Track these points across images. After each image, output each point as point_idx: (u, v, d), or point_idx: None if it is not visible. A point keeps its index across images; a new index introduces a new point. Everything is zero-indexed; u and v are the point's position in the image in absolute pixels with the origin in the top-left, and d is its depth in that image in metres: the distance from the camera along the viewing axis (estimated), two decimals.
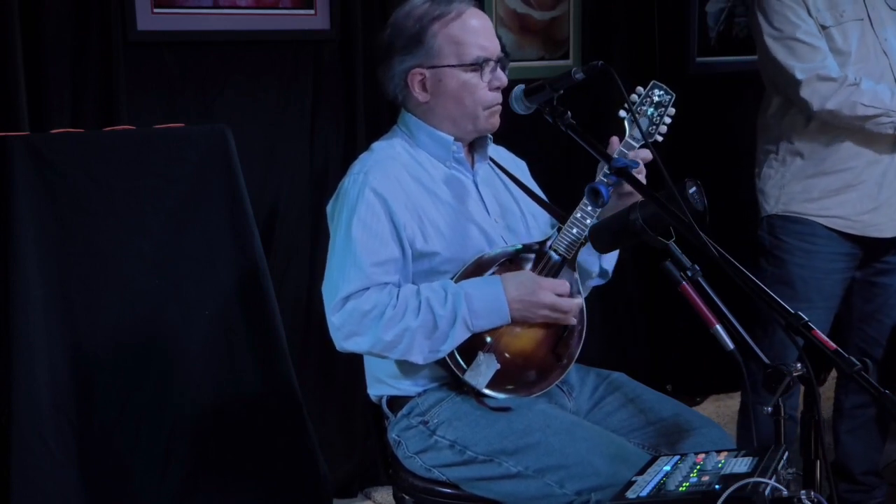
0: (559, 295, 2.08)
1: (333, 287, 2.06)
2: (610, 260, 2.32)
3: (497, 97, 2.16)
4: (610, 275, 2.35)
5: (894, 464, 3.39)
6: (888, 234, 2.86)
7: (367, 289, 2.03)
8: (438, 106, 2.17)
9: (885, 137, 2.76)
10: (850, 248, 2.87)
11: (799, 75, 2.71)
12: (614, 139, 2.11)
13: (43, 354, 2.45)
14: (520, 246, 2.16)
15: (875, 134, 2.75)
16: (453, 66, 2.12)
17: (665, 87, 2.15)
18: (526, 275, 2.10)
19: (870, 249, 2.90)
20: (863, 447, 3.10)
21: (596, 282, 2.33)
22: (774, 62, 2.76)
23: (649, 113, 2.14)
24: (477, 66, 2.13)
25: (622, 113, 2.10)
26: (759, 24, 2.79)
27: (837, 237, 2.85)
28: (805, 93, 2.71)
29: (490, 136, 2.26)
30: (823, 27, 2.74)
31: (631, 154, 2.10)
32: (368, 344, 2.03)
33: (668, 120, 2.15)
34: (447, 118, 2.18)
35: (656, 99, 2.14)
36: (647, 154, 2.10)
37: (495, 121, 2.20)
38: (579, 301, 2.13)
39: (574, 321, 2.13)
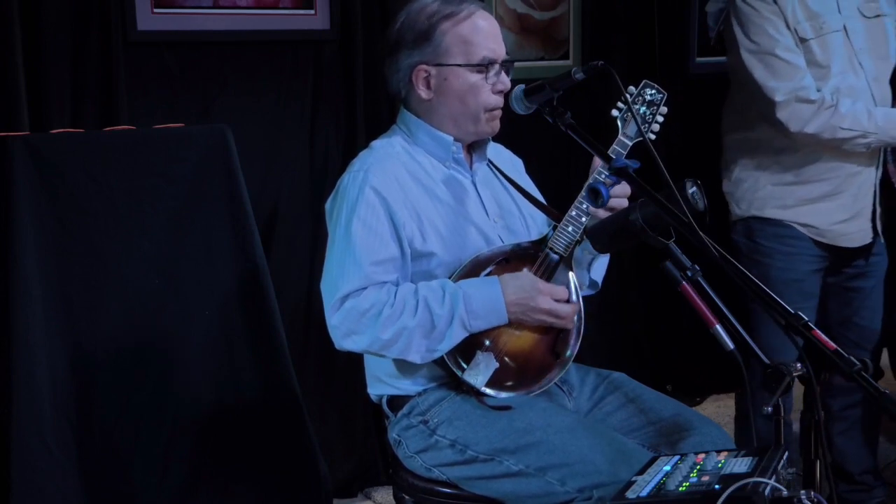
0: (557, 300, 2.07)
1: (332, 285, 2.06)
2: (599, 271, 2.32)
3: (499, 101, 2.16)
4: (599, 285, 2.34)
5: (894, 464, 3.39)
6: (857, 244, 2.85)
7: (366, 287, 2.03)
8: (441, 105, 2.16)
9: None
10: (822, 251, 2.86)
11: (777, 97, 2.65)
12: (596, 159, 2.09)
13: (43, 354, 2.45)
14: (516, 244, 2.16)
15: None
16: (460, 65, 2.12)
17: (657, 86, 2.15)
18: (525, 278, 2.09)
19: (838, 257, 2.88)
20: (856, 447, 3.09)
21: (585, 292, 2.31)
22: (751, 78, 2.70)
23: (642, 112, 2.14)
24: (483, 67, 2.13)
25: (614, 112, 2.12)
26: (735, 36, 2.72)
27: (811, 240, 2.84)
28: (783, 115, 2.66)
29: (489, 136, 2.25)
30: (803, 40, 2.68)
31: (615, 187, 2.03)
32: (366, 342, 2.03)
33: (660, 119, 2.15)
34: (449, 117, 2.17)
35: (648, 98, 2.15)
36: (626, 189, 2.09)
37: (495, 125, 2.19)
38: (576, 306, 2.13)
39: (571, 326, 2.12)
